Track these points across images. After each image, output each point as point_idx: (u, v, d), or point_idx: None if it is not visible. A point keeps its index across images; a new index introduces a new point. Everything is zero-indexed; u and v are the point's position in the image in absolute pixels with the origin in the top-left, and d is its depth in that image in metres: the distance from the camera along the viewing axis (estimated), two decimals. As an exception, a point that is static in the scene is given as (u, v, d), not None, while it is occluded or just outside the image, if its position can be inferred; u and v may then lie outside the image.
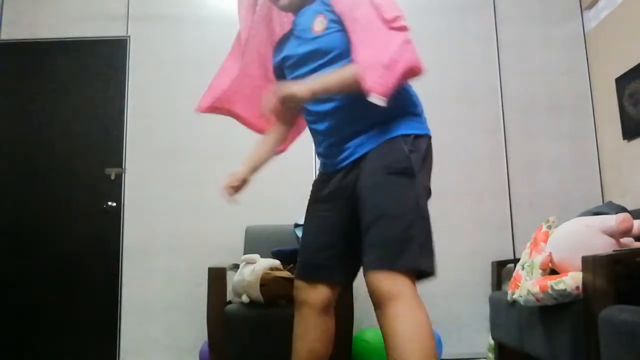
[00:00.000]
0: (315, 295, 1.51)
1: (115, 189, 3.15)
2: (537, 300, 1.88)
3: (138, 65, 3.30)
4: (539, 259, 1.99)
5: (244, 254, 2.80)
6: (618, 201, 2.54)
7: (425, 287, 1.37)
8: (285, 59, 1.60)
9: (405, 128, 1.41)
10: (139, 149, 3.21)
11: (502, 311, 2.37)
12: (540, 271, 1.96)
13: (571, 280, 1.76)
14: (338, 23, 1.43)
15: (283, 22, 1.76)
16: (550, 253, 1.97)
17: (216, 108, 1.79)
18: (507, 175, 3.18)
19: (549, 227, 2.16)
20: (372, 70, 1.28)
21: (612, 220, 1.86)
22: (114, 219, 3.12)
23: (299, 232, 2.98)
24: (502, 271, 2.90)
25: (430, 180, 1.48)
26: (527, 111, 3.23)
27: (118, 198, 3.14)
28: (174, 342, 3.01)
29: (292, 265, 2.41)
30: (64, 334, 3.02)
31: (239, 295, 2.36)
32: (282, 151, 1.83)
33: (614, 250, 1.79)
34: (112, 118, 3.24)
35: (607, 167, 3.12)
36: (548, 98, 3.24)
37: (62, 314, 3.04)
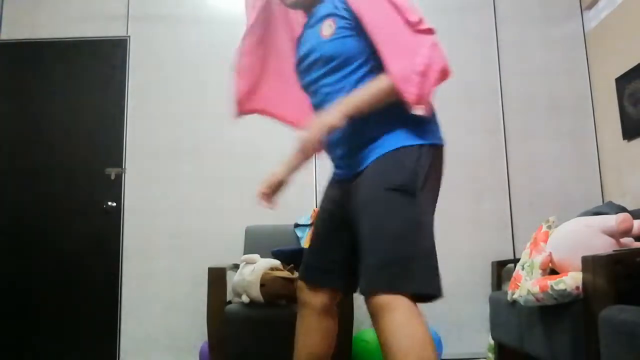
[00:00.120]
0: (316, 298, 1.50)
1: (115, 189, 3.15)
2: (537, 300, 1.88)
3: (138, 65, 3.30)
4: (539, 259, 1.99)
5: (244, 254, 2.80)
6: (618, 201, 2.54)
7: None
8: (297, 61, 1.55)
9: (407, 138, 1.33)
10: (139, 149, 3.21)
11: (502, 311, 2.37)
12: (540, 271, 1.96)
13: (571, 280, 1.76)
14: (349, 27, 1.37)
15: (299, 20, 1.67)
16: (550, 253, 1.97)
17: (247, 111, 1.72)
18: (507, 175, 3.18)
19: (549, 227, 2.16)
20: (408, 81, 1.23)
21: (612, 220, 1.86)
22: (114, 219, 3.13)
23: (299, 232, 2.98)
24: (502, 271, 2.90)
25: (438, 193, 1.40)
26: (527, 111, 3.23)
27: (118, 198, 3.14)
28: (174, 342, 3.01)
29: (292, 265, 2.41)
30: (64, 334, 3.03)
31: (239, 295, 2.36)
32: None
33: (614, 250, 1.79)
34: (112, 118, 3.24)
35: (607, 167, 3.12)
36: (548, 98, 3.24)
37: (62, 314, 3.04)
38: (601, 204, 2.94)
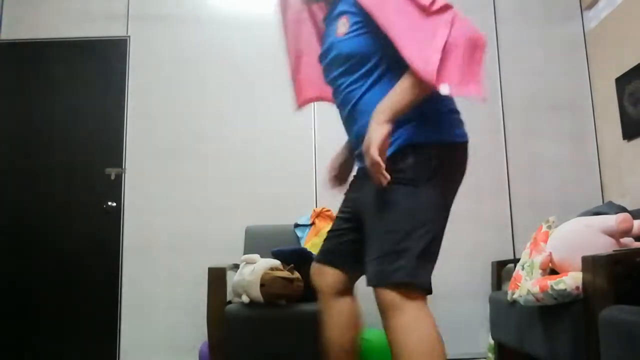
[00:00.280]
0: (326, 281, 1.52)
1: (115, 189, 3.15)
2: (537, 300, 1.88)
3: (138, 65, 3.30)
4: (539, 259, 1.99)
5: (244, 254, 2.80)
6: (618, 201, 2.54)
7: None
8: (319, 58, 1.54)
9: (419, 135, 1.32)
10: (139, 149, 3.21)
11: (502, 311, 2.37)
12: (540, 271, 1.96)
13: (571, 280, 1.76)
14: (362, 25, 1.35)
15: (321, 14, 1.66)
16: (550, 253, 1.97)
17: (306, 100, 1.75)
18: (507, 175, 3.18)
19: (549, 227, 2.16)
20: (428, 63, 1.18)
21: (612, 220, 1.86)
22: (114, 219, 3.12)
23: (299, 232, 2.98)
24: (502, 271, 2.90)
25: (452, 189, 1.40)
26: (527, 111, 3.23)
27: (118, 198, 3.14)
28: (174, 342, 3.01)
29: (292, 265, 2.41)
30: (64, 334, 3.02)
31: (239, 295, 2.36)
32: None
33: (614, 250, 1.79)
34: (112, 118, 3.24)
35: (607, 167, 3.12)
36: (548, 98, 3.24)
37: (62, 314, 3.04)
38: (601, 204, 2.94)
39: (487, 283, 3.00)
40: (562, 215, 2.33)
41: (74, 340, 3.02)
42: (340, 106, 1.48)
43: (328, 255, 1.54)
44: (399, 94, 1.25)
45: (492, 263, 2.95)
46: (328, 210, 3.02)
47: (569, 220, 2.06)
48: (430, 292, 1.28)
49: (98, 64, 3.31)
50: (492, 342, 2.68)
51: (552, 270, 1.98)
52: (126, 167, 3.20)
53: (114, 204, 3.14)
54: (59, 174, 3.19)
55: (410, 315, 1.21)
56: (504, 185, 3.17)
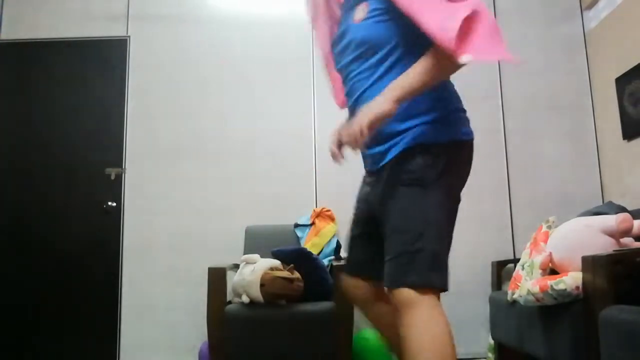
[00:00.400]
0: (359, 293, 1.52)
1: (115, 189, 3.15)
2: (537, 300, 1.88)
3: (138, 65, 3.30)
4: (539, 259, 1.99)
5: (244, 254, 2.80)
6: (618, 201, 2.54)
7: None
8: (332, 43, 1.53)
9: (426, 135, 1.31)
10: (139, 149, 3.21)
11: (502, 311, 2.37)
12: (540, 271, 1.96)
13: (571, 280, 1.76)
14: (381, 12, 1.34)
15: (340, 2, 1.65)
16: (550, 253, 1.97)
17: (344, 100, 1.70)
18: (507, 175, 3.18)
19: (549, 227, 2.16)
20: (446, 30, 1.16)
21: (612, 220, 1.86)
22: (114, 219, 3.13)
23: (299, 232, 2.98)
24: (502, 271, 2.90)
25: (459, 188, 1.41)
26: (527, 111, 3.23)
27: (118, 198, 3.14)
28: (174, 342, 3.01)
29: (292, 265, 2.41)
30: (64, 334, 3.02)
31: (239, 295, 2.36)
32: None
33: (614, 250, 1.79)
34: (112, 118, 3.24)
35: (607, 167, 3.12)
36: (548, 98, 3.24)
37: (62, 314, 3.04)
38: (601, 204, 2.94)
39: (487, 283, 3.00)
40: (562, 215, 2.33)
41: (74, 340, 3.02)
42: (347, 95, 1.47)
43: (355, 266, 1.54)
44: (413, 76, 1.24)
45: (492, 263, 2.95)
46: (328, 210, 3.02)
47: (569, 220, 2.06)
48: (445, 289, 1.28)
49: (98, 64, 3.31)
50: (492, 342, 2.68)
51: (552, 270, 1.98)
52: (126, 167, 3.20)
53: (114, 204, 3.14)
54: (59, 174, 3.19)
55: (424, 313, 1.22)
56: (504, 185, 3.17)
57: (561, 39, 3.29)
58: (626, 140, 2.89)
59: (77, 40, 3.32)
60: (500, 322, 2.43)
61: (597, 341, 1.59)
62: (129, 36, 3.33)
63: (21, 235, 3.13)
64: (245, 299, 2.31)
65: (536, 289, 1.86)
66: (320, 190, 3.15)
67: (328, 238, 2.91)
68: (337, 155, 1.53)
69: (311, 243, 2.87)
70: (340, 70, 1.50)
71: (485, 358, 2.88)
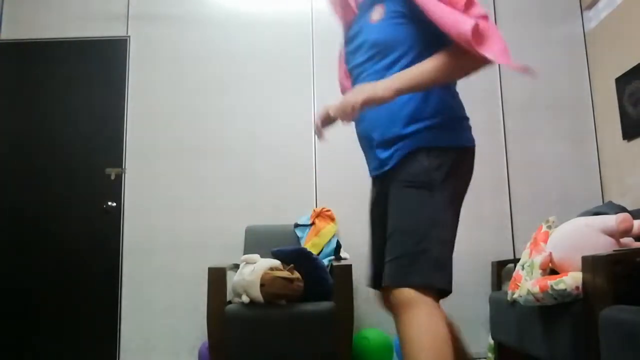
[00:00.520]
0: (388, 303, 1.49)
1: (115, 189, 3.15)
2: (537, 300, 1.88)
3: (138, 65, 3.30)
4: (539, 259, 1.99)
5: (244, 254, 2.80)
6: (618, 201, 2.54)
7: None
8: (345, 42, 1.53)
9: (431, 140, 1.33)
10: (139, 149, 3.21)
11: (502, 311, 2.37)
12: (540, 271, 1.96)
13: (571, 280, 1.76)
14: (399, 15, 1.35)
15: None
16: (550, 253, 1.97)
17: None
18: (507, 175, 3.18)
19: (549, 227, 2.16)
20: (464, 23, 1.19)
21: (612, 220, 1.86)
22: (114, 218, 3.13)
23: (299, 232, 2.98)
24: (502, 271, 2.90)
25: (463, 192, 1.41)
26: (527, 111, 3.23)
27: (118, 198, 3.14)
28: (174, 342, 3.01)
29: (292, 265, 2.41)
30: (64, 334, 3.03)
31: (239, 295, 2.36)
32: None
33: (614, 250, 1.79)
34: (112, 118, 3.24)
35: (607, 167, 3.12)
36: (548, 98, 3.24)
37: (62, 314, 3.04)
38: (601, 204, 2.94)
39: (487, 283, 3.00)
40: (562, 215, 2.34)
41: (74, 340, 3.02)
42: None
43: (375, 279, 1.51)
44: (421, 71, 1.25)
45: (492, 263, 2.95)
46: (328, 210, 3.02)
47: (569, 220, 2.06)
48: (448, 292, 1.28)
49: (98, 64, 3.31)
50: (492, 342, 2.68)
51: (552, 270, 1.98)
52: (126, 167, 3.20)
53: (114, 204, 3.14)
54: (59, 174, 3.19)
55: (425, 313, 1.22)
56: (504, 185, 3.17)
57: (561, 39, 3.30)
58: (626, 140, 2.89)
59: (77, 40, 3.32)
60: (500, 322, 2.43)
61: (597, 341, 1.59)
62: (129, 36, 3.33)
63: (21, 235, 3.13)
64: (245, 299, 2.32)
65: (536, 289, 1.86)
66: (320, 190, 3.16)
67: (328, 238, 2.91)
68: (319, 130, 1.55)
69: (311, 243, 2.87)
70: (351, 70, 1.50)
71: (485, 358, 2.88)
